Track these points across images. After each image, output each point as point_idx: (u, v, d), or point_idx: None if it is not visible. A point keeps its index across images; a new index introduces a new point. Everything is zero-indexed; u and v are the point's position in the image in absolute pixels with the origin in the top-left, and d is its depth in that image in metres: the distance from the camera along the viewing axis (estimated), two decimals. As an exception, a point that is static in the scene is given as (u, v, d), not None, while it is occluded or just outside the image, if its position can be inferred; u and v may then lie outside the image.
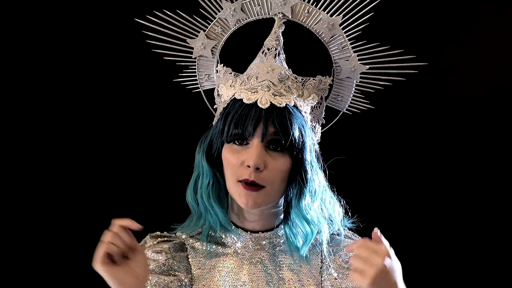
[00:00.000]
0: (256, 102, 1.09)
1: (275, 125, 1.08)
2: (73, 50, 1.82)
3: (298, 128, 1.11)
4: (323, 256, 1.20)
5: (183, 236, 1.23)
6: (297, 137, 1.10)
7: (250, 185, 1.09)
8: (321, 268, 1.19)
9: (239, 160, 1.10)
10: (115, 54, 1.82)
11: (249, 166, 1.08)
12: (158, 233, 1.23)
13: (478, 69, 1.77)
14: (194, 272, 1.18)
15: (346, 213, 1.22)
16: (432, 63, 1.73)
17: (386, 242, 0.98)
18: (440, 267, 1.86)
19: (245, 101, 1.10)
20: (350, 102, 1.29)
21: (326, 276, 1.18)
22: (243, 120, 1.09)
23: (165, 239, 1.21)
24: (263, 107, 1.09)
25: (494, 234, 1.84)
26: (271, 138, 1.09)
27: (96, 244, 0.96)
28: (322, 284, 1.17)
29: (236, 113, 1.10)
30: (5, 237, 1.83)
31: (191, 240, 1.22)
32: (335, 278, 1.17)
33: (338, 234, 1.24)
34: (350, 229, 1.24)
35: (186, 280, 1.15)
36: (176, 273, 1.16)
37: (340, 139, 1.67)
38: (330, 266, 1.18)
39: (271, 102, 1.09)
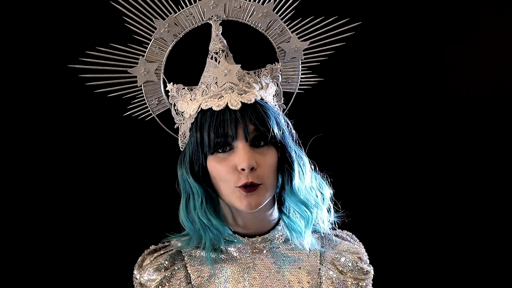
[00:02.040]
0: (226, 106, 1.08)
1: (253, 121, 1.08)
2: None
3: (274, 118, 1.12)
4: (322, 258, 1.21)
5: (179, 244, 1.21)
6: (276, 127, 1.11)
7: (249, 187, 1.08)
8: (320, 270, 1.20)
9: (229, 167, 1.09)
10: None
11: (243, 169, 1.07)
12: (153, 247, 1.22)
13: (478, 69, 1.78)
14: (194, 281, 1.16)
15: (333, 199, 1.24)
16: (432, 63, 1.78)
17: None
18: (427, 256, 1.89)
19: (215, 108, 1.09)
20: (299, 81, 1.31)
21: (324, 278, 1.19)
22: (222, 127, 1.08)
23: (162, 252, 1.20)
24: (235, 108, 1.08)
25: (493, 233, 1.87)
26: (254, 136, 1.09)
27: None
28: (321, 287, 1.18)
29: (211, 123, 1.09)
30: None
31: (188, 248, 1.20)
32: (333, 282, 1.18)
33: (336, 235, 1.26)
34: (340, 225, 1.26)
35: None
36: None
37: (340, 147, 1.69)
38: (328, 268, 1.19)
39: (241, 102, 1.09)
